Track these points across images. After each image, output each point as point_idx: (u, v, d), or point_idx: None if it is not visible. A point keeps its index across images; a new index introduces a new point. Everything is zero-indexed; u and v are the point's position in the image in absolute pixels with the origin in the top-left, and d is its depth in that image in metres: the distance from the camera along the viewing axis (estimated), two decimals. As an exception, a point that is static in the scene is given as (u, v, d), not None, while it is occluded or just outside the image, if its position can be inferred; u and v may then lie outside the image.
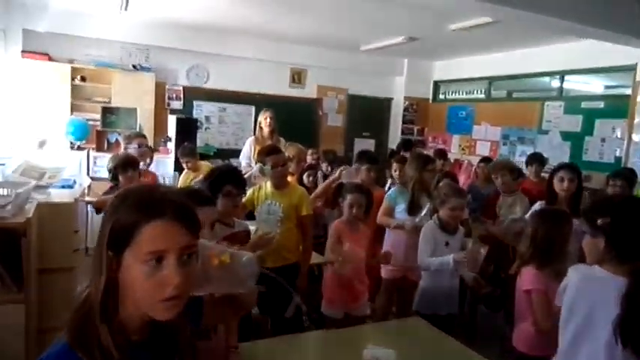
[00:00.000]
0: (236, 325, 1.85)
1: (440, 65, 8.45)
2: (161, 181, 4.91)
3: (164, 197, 0.91)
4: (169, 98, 7.26)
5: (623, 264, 1.55)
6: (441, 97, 8.60)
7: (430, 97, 8.69)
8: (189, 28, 6.81)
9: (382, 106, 8.82)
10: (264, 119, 4.68)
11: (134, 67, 6.83)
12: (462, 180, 6.35)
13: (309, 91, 8.16)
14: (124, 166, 3.34)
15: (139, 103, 6.49)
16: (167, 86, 7.21)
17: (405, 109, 8.59)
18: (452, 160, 7.53)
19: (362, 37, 6.87)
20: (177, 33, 6.81)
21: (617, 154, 5.50)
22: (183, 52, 7.07)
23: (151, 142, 5.92)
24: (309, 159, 5.26)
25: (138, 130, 5.99)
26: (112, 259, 0.87)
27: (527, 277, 2.19)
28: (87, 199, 3.88)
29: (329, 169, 4.71)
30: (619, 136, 5.52)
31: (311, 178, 4.45)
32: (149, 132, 6.43)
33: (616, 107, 5.58)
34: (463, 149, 7.83)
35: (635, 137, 5.16)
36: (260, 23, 6.31)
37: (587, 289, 1.62)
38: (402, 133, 8.55)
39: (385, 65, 8.26)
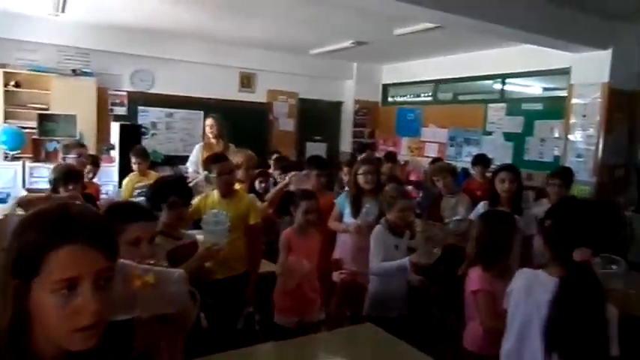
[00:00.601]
0: (181, 345, 1.76)
1: (388, 69, 8.59)
2: (104, 192, 4.68)
3: (75, 219, 0.83)
4: (112, 104, 6.99)
5: (561, 267, 1.58)
6: (390, 100, 8.74)
7: (379, 100, 8.82)
8: (132, 31, 6.58)
9: (333, 109, 8.86)
10: (207, 126, 4.58)
11: (74, 71, 6.52)
12: (412, 180, 6.51)
13: (259, 96, 8.07)
14: (66, 179, 3.12)
15: (80, 110, 6.18)
16: (110, 92, 6.94)
17: (356, 113, 8.68)
18: (402, 162, 7.68)
19: (311, 41, 6.88)
20: (119, 36, 6.56)
21: (556, 153, 5.77)
22: (127, 56, 6.82)
23: (93, 151, 5.67)
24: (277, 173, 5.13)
25: (78, 138, 5.71)
26: (19, 288, 0.80)
27: (473, 278, 2.23)
28: (19, 212, 3.63)
29: (281, 175, 4.66)
30: (557, 136, 5.80)
31: (263, 185, 4.39)
32: (91, 140, 6.17)
33: (553, 109, 5.86)
34: (412, 151, 7.98)
35: (571, 137, 5.43)
36: (206, 26, 6.19)
37: (530, 292, 1.63)
38: (353, 136, 8.62)
39: (335, 69, 8.31)
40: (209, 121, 4.59)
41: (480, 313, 2.16)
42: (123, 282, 0.90)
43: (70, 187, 3.09)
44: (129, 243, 1.48)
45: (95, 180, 4.64)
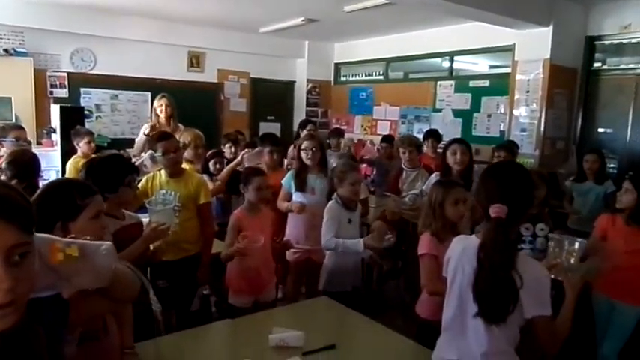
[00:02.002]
0: (130, 323, 1.72)
1: (339, 47, 8.57)
2: (45, 177, 4.44)
3: None
4: (52, 86, 6.62)
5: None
6: (343, 78, 8.74)
7: (332, 79, 8.80)
8: (70, 8, 6.20)
9: (285, 89, 8.78)
10: (160, 106, 4.41)
11: (6, 51, 6.11)
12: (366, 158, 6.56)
13: (208, 76, 7.86)
14: (26, 173, 2.71)
15: (15, 92, 5.85)
16: (48, 73, 6.56)
17: (309, 92, 8.63)
18: (355, 141, 7.74)
19: (260, 19, 6.73)
20: (56, 13, 6.17)
21: (501, 128, 5.97)
22: (65, 34, 6.43)
23: (32, 135, 5.38)
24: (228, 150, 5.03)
25: (14, 121, 5.39)
26: None
27: (421, 243, 2.28)
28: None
29: (232, 150, 4.59)
30: (502, 111, 6.00)
31: (218, 166, 4.30)
32: (29, 123, 5.83)
33: (499, 85, 6.04)
34: (365, 129, 8.06)
35: (515, 112, 5.62)
36: (151, 3, 5.93)
37: (465, 258, 1.60)
38: (307, 115, 8.57)
39: (286, 48, 8.20)
40: (163, 101, 4.41)
41: (423, 276, 2.20)
42: (45, 256, 0.85)
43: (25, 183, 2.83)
44: (92, 217, 1.48)
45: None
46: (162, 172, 2.83)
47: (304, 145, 3.34)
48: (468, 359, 1.48)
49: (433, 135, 5.19)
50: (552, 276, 1.56)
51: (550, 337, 1.43)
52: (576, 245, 1.64)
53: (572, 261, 1.63)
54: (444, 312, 1.61)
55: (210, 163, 4.22)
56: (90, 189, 1.56)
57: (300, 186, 3.29)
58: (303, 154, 3.32)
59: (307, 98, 8.63)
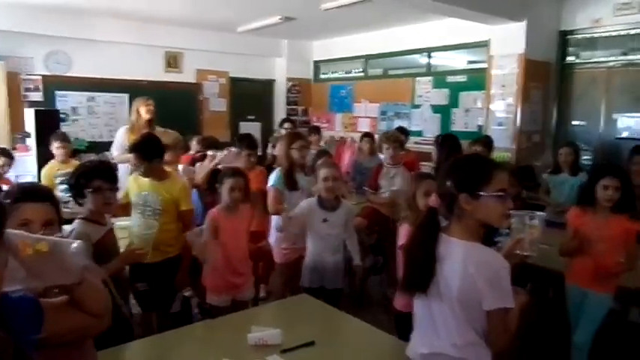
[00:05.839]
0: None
1: (318, 45, 8.58)
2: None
3: None
4: (26, 89, 6.50)
5: None
6: (322, 76, 8.76)
7: (311, 77, 8.81)
8: (43, 9, 6.09)
9: (265, 88, 8.76)
10: (147, 105, 4.38)
11: (-23, 55, 5.99)
12: (347, 156, 6.58)
13: (187, 76, 7.81)
14: None
15: (-13, 97, 5.72)
16: (22, 76, 6.44)
17: (288, 90, 8.63)
18: (337, 138, 7.75)
19: (238, 18, 6.71)
20: (29, 15, 6.06)
21: (479, 122, 6.05)
22: (39, 36, 6.32)
23: (6, 140, 5.28)
24: (195, 147, 5.06)
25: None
26: None
27: (400, 234, 2.34)
28: None
29: (199, 146, 4.64)
30: (480, 106, 6.07)
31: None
32: (2, 128, 5.73)
33: (476, 80, 6.11)
34: (346, 127, 8.08)
35: (492, 107, 5.70)
36: (125, 3, 5.85)
37: None
38: (287, 114, 8.57)
39: (265, 47, 8.18)
40: (151, 102, 4.41)
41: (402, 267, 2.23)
42: (15, 252, 0.87)
43: None
44: (18, 224, 1.40)
45: (11, 174, 4.32)
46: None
47: (295, 144, 3.30)
48: (440, 352, 1.51)
49: (402, 131, 5.26)
50: (518, 251, 1.60)
51: (504, 331, 1.44)
52: (536, 220, 1.68)
53: (535, 235, 1.67)
54: (414, 307, 1.62)
55: (197, 165, 4.23)
56: (23, 194, 1.46)
57: (292, 185, 3.24)
58: (295, 153, 3.28)
59: (287, 97, 8.63)
